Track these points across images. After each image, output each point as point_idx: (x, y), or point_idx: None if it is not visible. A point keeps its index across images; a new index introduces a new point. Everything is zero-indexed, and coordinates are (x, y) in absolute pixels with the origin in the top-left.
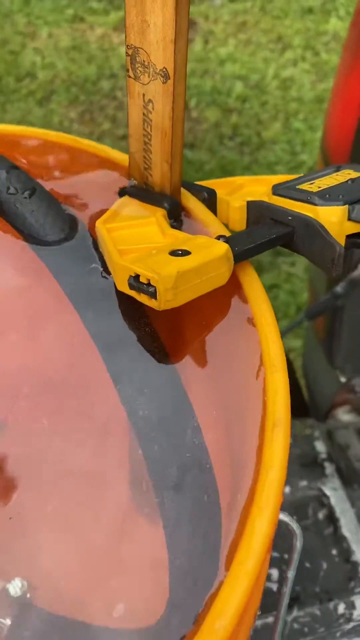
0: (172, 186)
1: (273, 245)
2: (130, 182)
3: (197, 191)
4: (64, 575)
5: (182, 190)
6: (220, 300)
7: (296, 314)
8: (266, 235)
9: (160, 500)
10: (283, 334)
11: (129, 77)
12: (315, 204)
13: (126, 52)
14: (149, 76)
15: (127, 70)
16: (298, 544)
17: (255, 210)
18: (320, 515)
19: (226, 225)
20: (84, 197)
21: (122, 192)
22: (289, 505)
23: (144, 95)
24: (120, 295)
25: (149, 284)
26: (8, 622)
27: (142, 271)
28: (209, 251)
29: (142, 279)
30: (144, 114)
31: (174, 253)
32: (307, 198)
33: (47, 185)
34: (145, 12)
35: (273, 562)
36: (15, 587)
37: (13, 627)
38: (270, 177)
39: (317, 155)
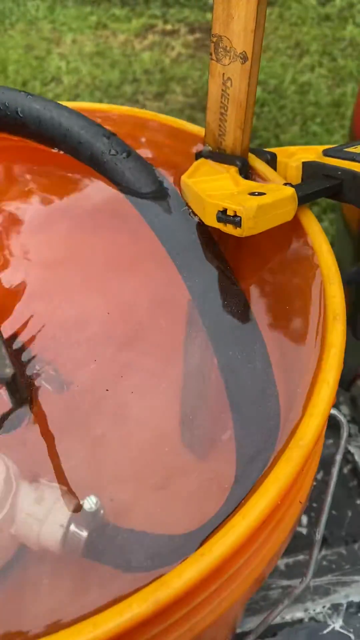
0: (242, 149)
1: (326, 194)
2: (205, 147)
3: (261, 155)
4: (134, 492)
5: (249, 153)
6: (287, 233)
7: None
8: (321, 185)
9: (230, 393)
10: None
11: (212, 60)
12: None
13: (211, 40)
14: (229, 59)
15: (211, 54)
16: (344, 431)
17: (310, 168)
18: (345, 470)
19: None
20: (166, 160)
21: (199, 155)
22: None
23: (223, 74)
24: (202, 231)
25: (235, 216)
26: (85, 533)
27: (230, 205)
28: (280, 192)
29: (229, 212)
30: (222, 89)
31: (252, 194)
32: (353, 157)
33: (140, 150)
34: (230, 7)
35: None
36: (90, 503)
37: (90, 537)
38: (317, 146)
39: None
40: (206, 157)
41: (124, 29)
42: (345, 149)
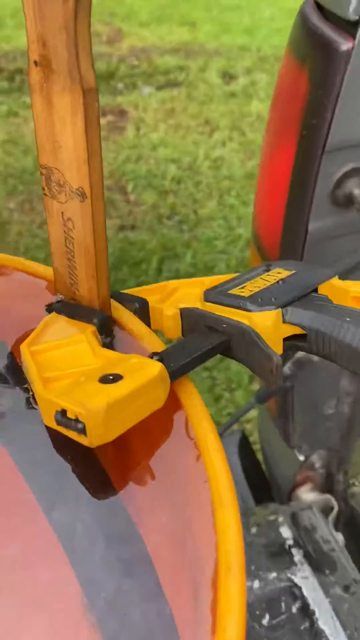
0: (100, 300)
1: (210, 356)
2: (56, 297)
3: (128, 302)
4: None
5: (112, 302)
6: (161, 420)
7: (249, 382)
8: (202, 346)
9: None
10: (234, 421)
11: (46, 195)
12: (249, 310)
13: (40, 172)
14: (65, 195)
15: (43, 189)
16: None
17: (189, 317)
18: (294, 608)
19: (161, 334)
20: (8, 317)
21: (50, 309)
22: (259, 601)
23: (62, 213)
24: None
25: (77, 420)
26: None
27: (69, 406)
28: (142, 373)
29: (69, 414)
30: (64, 231)
31: (104, 379)
32: (239, 304)
33: None
34: (55, 133)
35: None
36: None
37: None
38: (203, 279)
39: (250, 243)
40: (59, 312)
41: None
42: (230, 291)
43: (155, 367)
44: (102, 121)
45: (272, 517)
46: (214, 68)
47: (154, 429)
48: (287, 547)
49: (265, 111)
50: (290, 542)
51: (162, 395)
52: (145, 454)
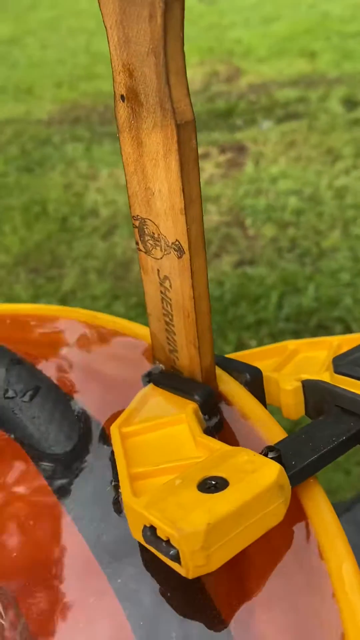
0: (203, 371)
1: (344, 450)
2: (155, 366)
3: (237, 371)
4: None
5: (219, 371)
6: (280, 536)
7: None
8: (332, 437)
9: None
10: None
11: (140, 250)
12: None
13: (133, 224)
14: (161, 250)
15: (137, 244)
16: None
17: (315, 393)
18: None
19: (278, 410)
20: (102, 386)
21: (147, 379)
22: None
23: (158, 271)
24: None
25: (169, 543)
26: None
27: (160, 524)
28: (254, 479)
29: (159, 533)
30: (161, 291)
31: (205, 486)
32: None
33: (58, 372)
34: (147, 179)
35: None
36: None
37: None
38: (331, 338)
39: None
40: (157, 383)
41: None
42: None
43: (272, 471)
44: (221, 159)
45: None
46: (335, 97)
47: (272, 548)
48: None
49: None
50: None
51: (280, 508)
52: (257, 579)
